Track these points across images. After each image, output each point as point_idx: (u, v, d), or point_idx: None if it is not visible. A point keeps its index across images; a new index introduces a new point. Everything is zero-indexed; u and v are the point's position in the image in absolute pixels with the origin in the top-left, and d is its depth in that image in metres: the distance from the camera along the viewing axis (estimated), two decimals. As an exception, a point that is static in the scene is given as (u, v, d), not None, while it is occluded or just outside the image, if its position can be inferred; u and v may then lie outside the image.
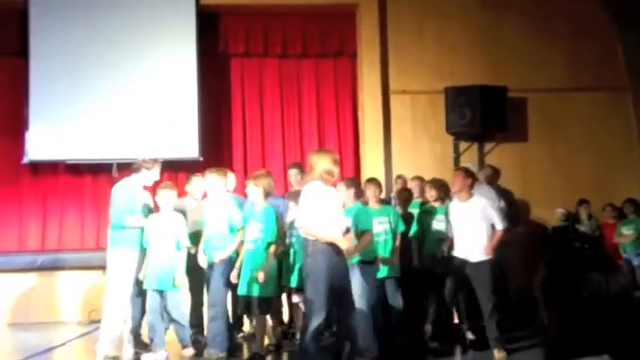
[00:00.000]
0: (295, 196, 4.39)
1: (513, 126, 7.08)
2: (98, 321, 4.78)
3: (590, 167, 7.18)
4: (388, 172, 7.04)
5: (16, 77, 7.07)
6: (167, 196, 4.59)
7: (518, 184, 7.00)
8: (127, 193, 4.55)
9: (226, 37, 7.46)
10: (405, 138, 7.25)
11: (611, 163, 7.21)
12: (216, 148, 7.39)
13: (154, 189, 4.85)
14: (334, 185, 3.99)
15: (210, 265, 4.54)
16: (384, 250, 4.61)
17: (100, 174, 7.12)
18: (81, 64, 6.94)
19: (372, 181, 4.90)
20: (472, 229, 4.46)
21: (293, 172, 5.46)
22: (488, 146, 7.29)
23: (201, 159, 6.97)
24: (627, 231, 6.22)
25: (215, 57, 7.43)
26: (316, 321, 3.57)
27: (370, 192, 4.72)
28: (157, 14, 7.10)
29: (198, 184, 5.10)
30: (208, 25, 7.30)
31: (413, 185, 5.65)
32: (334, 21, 7.55)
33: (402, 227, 4.78)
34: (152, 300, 4.48)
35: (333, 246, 3.64)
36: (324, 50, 7.56)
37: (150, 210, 4.76)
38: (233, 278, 4.47)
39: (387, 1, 7.37)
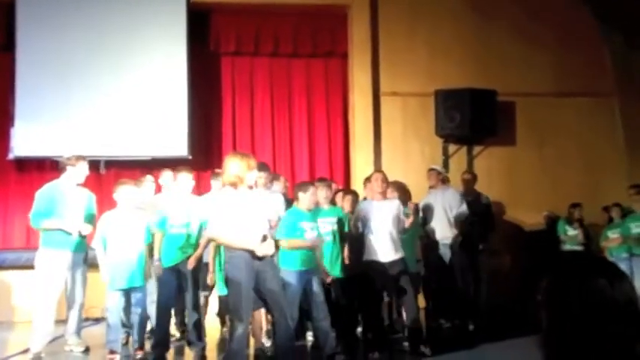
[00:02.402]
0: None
1: (502, 130, 7.14)
2: (89, 319, 4.76)
3: (577, 171, 7.26)
4: (378, 174, 7.05)
5: (1, 72, 6.97)
6: (124, 192, 4.44)
7: (506, 187, 7.07)
8: (44, 196, 4.56)
9: (217, 36, 7.42)
10: (394, 139, 7.27)
11: (598, 168, 7.30)
12: (206, 146, 7.35)
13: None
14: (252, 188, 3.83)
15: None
16: (329, 251, 4.63)
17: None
18: (69, 59, 6.85)
19: (322, 181, 4.98)
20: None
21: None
22: (477, 149, 7.35)
23: (190, 157, 6.93)
24: (613, 235, 6.29)
25: (205, 55, 7.39)
26: (241, 327, 3.52)
27: (321, 193, 4.70)
28: (147, 11, 7.04)
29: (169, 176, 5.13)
30: (199, 22, 7.25)
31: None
32: (326, 21, 7.55)
33: (347, 228, 4.83)
34: (118, 300, 4.37)
35: (250, 251, 3.57)
36: (315, 50, 7.55)
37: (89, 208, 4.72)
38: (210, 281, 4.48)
39: (378, 2, 7.39)
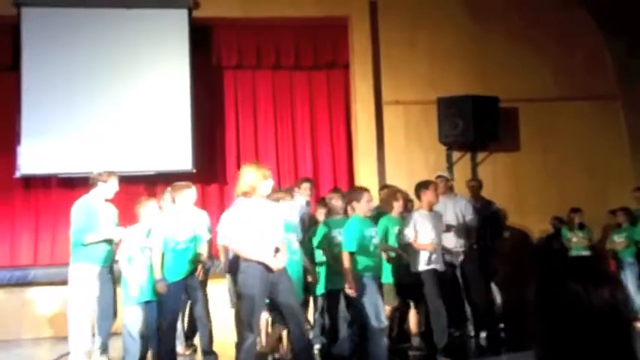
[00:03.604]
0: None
1: (505, 136, 7.13)
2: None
3: (582, 176, 7.21)
4: (382, 183, 7.04)
5: (8, 92, 7.04)
6: (149, 208, 4.57)
7: (511, 193, 7.04)
8: (83, 211, 4.60)
9: (219, 50, 7.49)
10: (398, 148, 7.27)
11: (604, 172, 7.25)
12: (210, 160, 7.39)
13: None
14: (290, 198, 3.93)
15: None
16: None
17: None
18: (73, 77, 6.93)
19: (336, 192, 5.04)
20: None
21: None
22: (480, 156, 7.33)
23: (195, 171, 6.96)
24: (619, 239, 6.25)
25: (208, 69, 7.45)
26: (250, 337, 3.52)
27: (337, 203, 4.72)
28: (150, 27, 7.12)
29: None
30: (201, 38, 7.33)
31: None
32: (326, 33, 7.60)
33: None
34: (139, 313, 4.40)
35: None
36: (316, 62, 7.60)
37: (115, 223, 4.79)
38: None
39: (378, 12, 7.43)
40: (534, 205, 7.08)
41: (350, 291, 4.04)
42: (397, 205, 4.88)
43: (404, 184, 5.96)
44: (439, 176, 5.89)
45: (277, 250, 3.67)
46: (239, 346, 3.64)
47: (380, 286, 4.32)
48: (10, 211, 7.05)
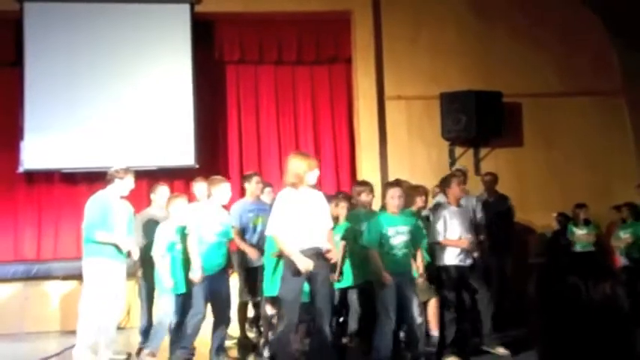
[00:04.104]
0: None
1: (508, 131, 7.11)
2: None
3: (586, 172, 7.19)
4: (384, 178, 7.03)
5: (11, 87, 7.05)
6: (178, 205, 4.66)
7: (514, 189, 6.99)
8: (97, 207, 4.60)
9: (221, 45, 7.47)
10: (400, 143, 7.26)
11: (607, 168, 7.22)
12: (212, 155, 7.39)
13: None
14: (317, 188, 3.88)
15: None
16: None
17: (96, 183, 7.04)
18: (76, 73, 6.94)
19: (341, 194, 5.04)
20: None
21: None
22: (483, 151, 7.31)
23: (197, 166, 6.97)
24: (625, 235, 6.23)
25: (210, 64, 7.44)
26: (288, 326, 3.54)
27: (344, 205, 4.71)
28: (152, 22, 7.12)
29: (164, 193, 5.20)
30: (203, 33, 7.32)
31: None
32: (329, 28, 7.57)
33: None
34: (175, 304, 4.52)
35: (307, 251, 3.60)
36: (319, 57, 7.58)
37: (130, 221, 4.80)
38: None
39: (381, 7, 7.40)
40: (537, 202, 7.06)
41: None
42: (420, 200, 4.86)
43: (406, 179, 5.95)
44: (458, 170, 5.85)
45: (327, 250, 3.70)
46: (279, 338, 3.65)
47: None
48: (13, 206, 7.07)
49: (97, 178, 7.02)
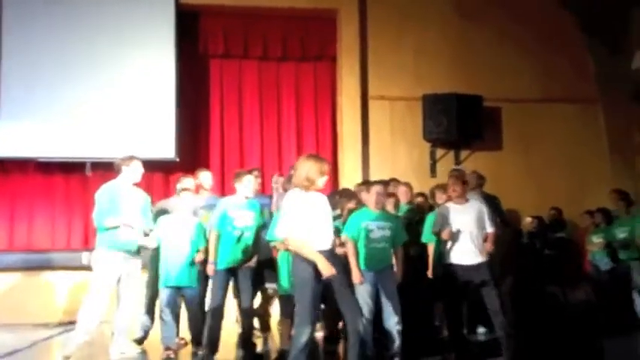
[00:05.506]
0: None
1: (488, 135, 7.21)
2: (67, 323, 4.70)
3: (562, 176, 7.35)
4: (365, 177, 7.06)
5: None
6: (186, 198, 4.67)
7: (492, 191, 7.05)
8: (105, 195, 4.55)
9: (206, 38, 7.40)
10: (382, 143, 7.30)
11: (583, 173, 7.40)
12: (193, 148, 7.31)
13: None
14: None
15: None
16: None
17: (73, 173, 6.97)
18: (55, 60, 6.77)
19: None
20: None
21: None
22: (464, 154, 7.40)
23: (178, 159, 6.88)
24: (597, 239, 6.37)
25: (194, 57, 7.36)
26: (305, 334, 3.40)
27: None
28: (135, 13, 6.99)
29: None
30: (188, 25, 7.22)
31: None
32: (315, 25, 7.56)
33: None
34: (168, 296, 4.51)
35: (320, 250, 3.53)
36: (304, 54, 7.56)
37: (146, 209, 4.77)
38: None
39: (367, 6, 7.43)
40: (515, 204, 7.15)
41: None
42: (389, 204, 4.85)
43: (387, 178, 6.00)
44: (454, 170, 5.82)
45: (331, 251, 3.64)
46: (294, 340, 3.48)
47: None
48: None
49: (73, 169, 6.92)
